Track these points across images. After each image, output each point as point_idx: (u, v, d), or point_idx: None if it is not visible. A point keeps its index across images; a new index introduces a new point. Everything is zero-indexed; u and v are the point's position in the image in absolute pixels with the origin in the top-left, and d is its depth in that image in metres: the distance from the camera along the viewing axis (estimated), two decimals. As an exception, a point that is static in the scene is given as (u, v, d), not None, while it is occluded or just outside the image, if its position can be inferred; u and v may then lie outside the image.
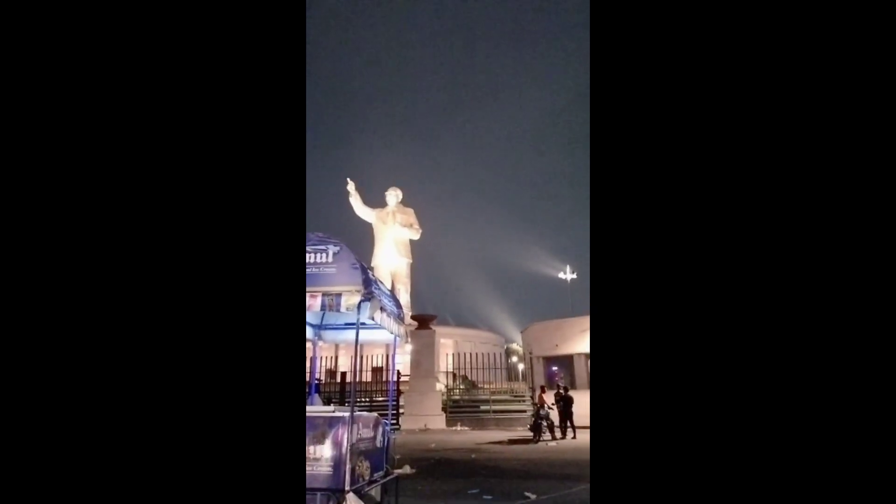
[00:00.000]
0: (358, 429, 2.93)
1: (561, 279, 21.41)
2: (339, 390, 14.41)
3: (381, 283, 3.59)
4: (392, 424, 14.20)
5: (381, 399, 15.42)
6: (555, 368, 14.19)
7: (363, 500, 2.68)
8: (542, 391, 12.61)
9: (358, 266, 2.97)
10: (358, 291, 2.85)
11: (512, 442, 10.91)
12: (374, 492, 3.14)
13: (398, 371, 16.17)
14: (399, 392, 15.22)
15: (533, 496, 5.17)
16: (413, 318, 18.05)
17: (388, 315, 3.41)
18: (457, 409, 15.44)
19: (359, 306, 2.87)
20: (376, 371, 16.90)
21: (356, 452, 2.82)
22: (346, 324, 3.94)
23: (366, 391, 15.85)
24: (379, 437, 3.37)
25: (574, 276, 21.17)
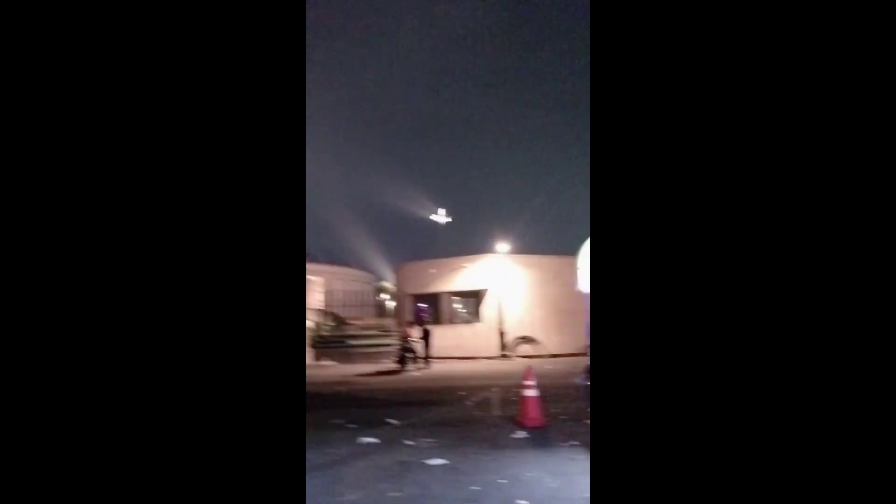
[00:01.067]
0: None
1: (434, 221, 22.02)
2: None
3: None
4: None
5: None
6: (422, 305, 14.92)
7: None
8: (409, 325, 13.29)
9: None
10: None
11: (379, 374, 11.42)
12: None
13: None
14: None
15: (396, 422, 5.55)
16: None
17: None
18: (324, 345, 15.50)
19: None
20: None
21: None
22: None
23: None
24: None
25: (449, 219, 21.92)
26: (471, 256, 17.58)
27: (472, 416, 5.91)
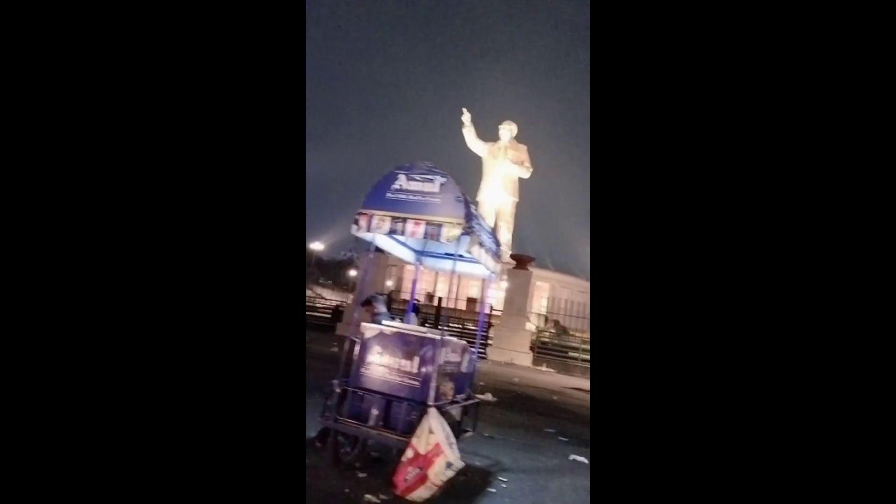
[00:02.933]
0: (447, 352, 3.11)
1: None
2: (435, 314, 15.30)
3: (483, 218, 3.61)
4: (480, 353, 14.91)
5: (472, 328, 16.11)
6: None
7: (443, 417, 2.90)
8: None
9: (462, 200, 3.00)
10: (459, 224, 2.90)
11: (596, 392, 10.88)
12: (455, 412, 3.38)
13: (490, 305, 16.63)
14: (490, 325, 15.76)
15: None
16: (512, 257, 18.15)
17: (486, 251, 3.46)
18: (544, 351, 15.65)
19: (459, 239, 2.93)
20: (471, 301, 17.58)
21: (442, 373, 3.03)
22: (446, 254, 4.07)
23: (459, 318, 16.65)
24: (465, 363, 3.56)
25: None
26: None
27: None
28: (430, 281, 18.65)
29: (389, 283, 16.52)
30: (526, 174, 32.28)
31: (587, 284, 29.14)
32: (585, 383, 12.15)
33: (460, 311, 17.18)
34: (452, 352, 3.25)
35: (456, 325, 16.17)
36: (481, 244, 3.24)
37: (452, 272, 3.46)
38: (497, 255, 3.84)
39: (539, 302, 19.89)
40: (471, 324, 16.53)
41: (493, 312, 16.30)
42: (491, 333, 15.60)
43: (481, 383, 8.84)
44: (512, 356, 14.68)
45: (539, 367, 14.52)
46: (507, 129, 31.66)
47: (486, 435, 4.83)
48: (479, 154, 31.31)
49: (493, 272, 3.79)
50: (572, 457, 4.57)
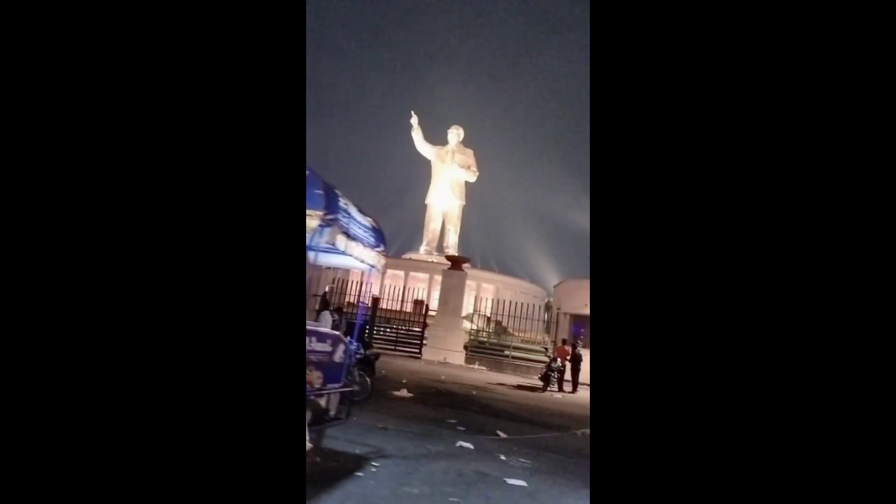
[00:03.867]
0: (311, 342, 3.22)
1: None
2: (371, 314, 15.31)
3: (358, 211, 3.73)
4: (413, 353, 15.13)
5: (416, 329, 16.25)
6: (581, 329, 14.17)
7: (307, 405, 3.00)
8: (564, 344, 12.76)
9: (322, 192, 3.12)
10: (318, 216, 3.02)
11: (520, 388, 11.28)
12: (322, 401, 3.48)
13: (426, 305, 16.82)
14: (425, 325, 15.96)
15: (503, 435, 5.46)
16: (447, 258, 18.44)
17: (359, 244, 3.59)
18: (478, 350, 15.98)
19: (318, 230, 3.05)
20: (418, 303, 17.69)
21: (307, 361, 3.13)
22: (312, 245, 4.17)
23: (404, 320, 16.74)
24: (338, 354, 3.68)
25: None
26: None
27: (581, 448, 5.43)
28: (377, 283, 18.62)
29: (328, 287, 16.41)
30: (472, 178, 32.83)
31: (529, 286, 29.91)
32: (512, 380, 12.54)
33: (406, 312, 17.28)
34: (319, 341, 3.35)
35: (401, 327, 16.30)
36: (349, 236, 3.37)
37: (315, 263, 3.58)
38: (377, 249, 3.98)
39: (484, 303, 20.28)
40: (416, 326, 16.63)
41: (430, 312, 16.50)
42: (427, 333, 15.78)
43: (404, 381, 8.97)
44: (446, 355, 14.91)
45: (471, 366, 14.83)
46: (455, 133, 32.13)
47: (381, 426, 4.96)
48: (428, 157, 31.59)
49: (372, 266, 3.93)
50: (459, 443, 4.77)
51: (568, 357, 12.04)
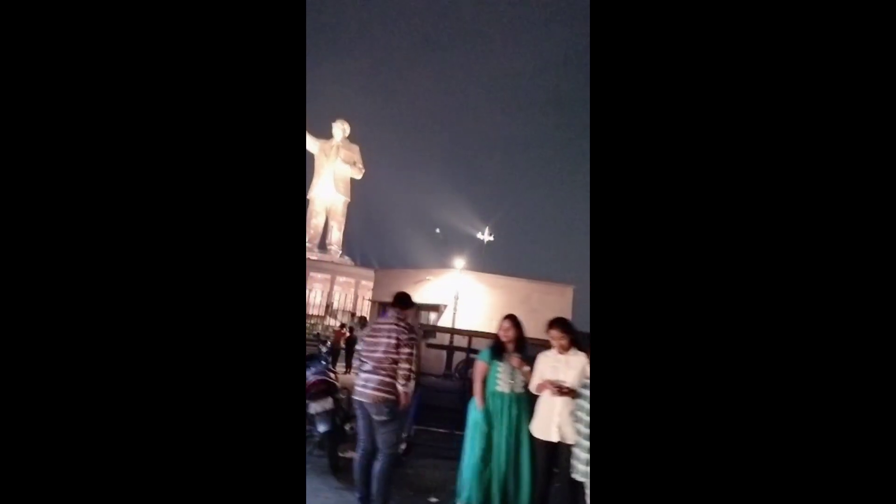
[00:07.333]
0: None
1: (478, 239, 22.03)
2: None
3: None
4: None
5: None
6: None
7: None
8: (341, 330, 13.28)
9: None
10: None
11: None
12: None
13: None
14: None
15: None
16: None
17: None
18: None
19: None
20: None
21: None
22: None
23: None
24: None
25: (491, 238, 21.85)
26: (435, 270, 17.48)
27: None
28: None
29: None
30: (358, 175, 32.53)
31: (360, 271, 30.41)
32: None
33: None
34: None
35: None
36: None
37: None
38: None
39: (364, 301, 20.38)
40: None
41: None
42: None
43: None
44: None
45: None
46: (340, 128, 31.56)
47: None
48: (311, 151, 30.65)
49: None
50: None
51: (343, 342, 12.26)
